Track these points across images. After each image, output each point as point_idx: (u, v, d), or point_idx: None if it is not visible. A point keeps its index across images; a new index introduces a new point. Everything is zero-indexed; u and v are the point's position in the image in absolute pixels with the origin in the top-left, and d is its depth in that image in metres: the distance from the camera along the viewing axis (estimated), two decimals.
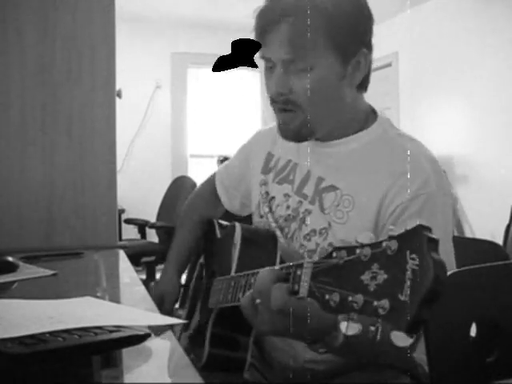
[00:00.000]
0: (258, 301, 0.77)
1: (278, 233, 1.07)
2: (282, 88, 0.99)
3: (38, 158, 1.67)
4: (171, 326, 0.79)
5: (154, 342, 0.70)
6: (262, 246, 1.06)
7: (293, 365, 1.05)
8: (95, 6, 1.72)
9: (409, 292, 0.51)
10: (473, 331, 0.88)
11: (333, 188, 1.03)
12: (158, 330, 0.75)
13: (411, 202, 0.94)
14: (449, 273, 0.87)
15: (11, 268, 1.18)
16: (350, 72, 1.00)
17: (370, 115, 1.09)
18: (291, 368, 1.06)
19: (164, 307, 1.27)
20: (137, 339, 0.65)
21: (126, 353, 0.67)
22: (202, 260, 1.30)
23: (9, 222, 1.64)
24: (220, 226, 1.22)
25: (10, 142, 1.66)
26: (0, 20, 1.64)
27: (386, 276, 0.54)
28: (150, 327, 0.69)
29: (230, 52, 0.97)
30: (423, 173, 0.96)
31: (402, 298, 0.51)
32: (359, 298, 0.55)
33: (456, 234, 4.01)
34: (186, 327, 1.18)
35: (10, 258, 1.21)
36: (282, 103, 1.00)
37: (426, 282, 0.50)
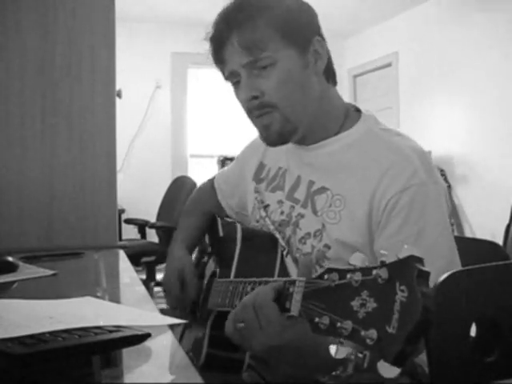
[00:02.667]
0: (240, 325, 0.78)
1: (277, 235, 1.08)
2: (253, 91, 1.00)
3: (38, 158, 1.68)
4: (171, 326, 0.79)
5: (154, 342, 0.70)
6: (262, 247, 1.06)
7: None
8: (95, 6, 1.72)
9: (396, 325, 0.51)
10: (473, 331, 0.88)
11: (324, 189, 1.04)
12: (158, 330, 0.75)
13: (402, 194, 0.94)
14: (448, 273, 0.87)
15: (11, 268, 1.18)
16: (311, 61, 1.02)
17: (352, 113, 1.09)
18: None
19: (186, 281, 1.19)
20: (137, 339, 0.65)
21: (126, 353, 0.67)
22: (204, 258, 1.30)
23: (9, 222, 1.64)
24: (222, 223, 1.22)
25: (9, 141, 1.66)
26: (0, 20, 1.64)
27: (375, 305, 0.54)
28: (149, 327, 0.69)
29: None
30: (411, 164, 0.96)
31: (390, 330, 0.51)
32: (348, 324, 0.56)
33: (456, 233, 4.01)
34: (189, 326, 1.18)
35: (10, 258, 1.21)
36: (257, 108, 1.02)
37: (414, 317, 0.50)
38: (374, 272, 0.55)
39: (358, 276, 0.57)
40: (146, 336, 0.65)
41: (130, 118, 4.96)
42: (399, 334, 0.51)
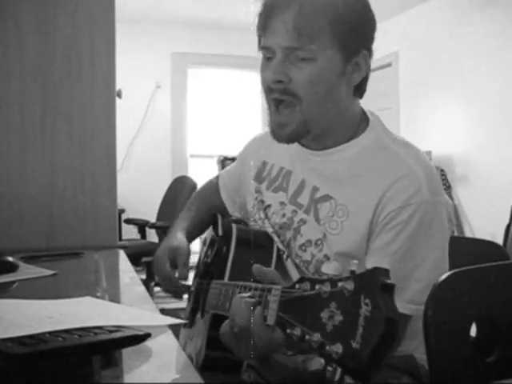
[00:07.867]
0: (236, 329, 0.76)
1: (276, 238, 1.07)
2: (281, 76, 0.96)
3: (38, 158, 1.68)
4: (171, 326, 0.79)
5: (154, 342, 0.70)
6: (256, 249, 1.06)
7: (291, 365, 1.05)
8: (95, 6, 1.72)
9: (360, 341, 0.51)
10: (473, 331, 0.88)
11: (328, 198, 1.02)
12: (158, 330, 0.75)
13: (401, 211, 0.94)
14: (448, 273, 0.87)
15: (11, 268, 1.18)
16: (349, 71, 1.00)
17: (363, 120, 1.07)
18: (289, 368, 1.06)
19: (179, 259, 1.15)
20: (137, 339, 0.65)
21: (126, 353, 0.67)
22: (206, 258, 1.30)
23: (9, 222, 1.64)
24: (223, 222, 1.21)
25: (10, 142, 1.66)
26: (0, 20, 1.64)
27: (341, 318, 0.53)
28: (149, 327, 0.69)
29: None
30: (416, 180, 0.95)
31: (354, 345, 0.51)
32: (317, 337, 0.55)
33: (456, 234, 4.01)
34: (189, 325, 1.18)
35: (10, 258, 1.21)
36: (279, 92, 0.98)
37: (376, 334, 0.50)
38: (340, 284, 0.54)
39: (326, 287, 0.56)
40: (146, 336, 0.65)
41: (130, 118, 4.95)
42: (363, 350, 0.50)
